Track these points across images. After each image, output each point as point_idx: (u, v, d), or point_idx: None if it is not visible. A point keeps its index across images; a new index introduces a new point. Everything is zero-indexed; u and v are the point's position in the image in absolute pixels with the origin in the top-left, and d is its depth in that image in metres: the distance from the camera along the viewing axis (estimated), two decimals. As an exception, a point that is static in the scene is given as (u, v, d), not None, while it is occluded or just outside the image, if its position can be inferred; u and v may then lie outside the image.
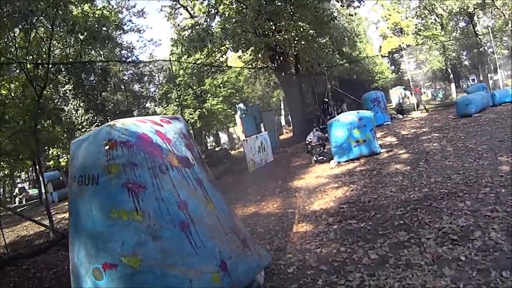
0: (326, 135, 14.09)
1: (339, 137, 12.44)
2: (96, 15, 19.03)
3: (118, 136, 4.01)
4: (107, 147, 3.95)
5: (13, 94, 16.25)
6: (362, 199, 7.72)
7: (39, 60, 13.74)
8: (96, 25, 17.28)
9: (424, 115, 24.45)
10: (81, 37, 17.06)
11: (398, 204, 6.88)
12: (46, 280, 7.64)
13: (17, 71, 15.91)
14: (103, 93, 34.38)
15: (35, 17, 12.02)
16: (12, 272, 8.65)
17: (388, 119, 22.64)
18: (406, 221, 5.92)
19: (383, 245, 5.23)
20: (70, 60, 23.46)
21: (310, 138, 14.13)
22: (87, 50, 23.46)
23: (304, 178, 11.51)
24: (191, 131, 40.07)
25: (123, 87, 37.94)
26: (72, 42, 20.13)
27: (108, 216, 3.86)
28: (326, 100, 23.51)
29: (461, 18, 42.25)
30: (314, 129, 14.87)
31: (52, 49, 19.32)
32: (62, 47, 21.06)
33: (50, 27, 13.62)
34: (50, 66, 14.70)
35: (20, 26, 12.32)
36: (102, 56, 30.57)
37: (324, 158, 13.41)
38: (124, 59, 35.57)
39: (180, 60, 26.50)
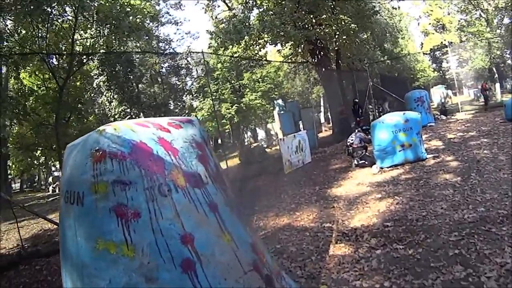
0: (369, 136, 13.05)
1: (383, 140, 11.38)
2: (121, 3, 18.38)
3: (108, 145, 3.16)
4: (92, 159, 3.11)
5: (35, 87, 15.89)
6: (409, 216, 6.74)
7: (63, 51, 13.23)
8: (122, 14, 16.66)
9: (469, 116, 23.08)
10: (107, 27, 16.61)
11: (451, 226, 5.92)
12: (54, 286, 7.22)
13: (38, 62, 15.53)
14: (139, 85, 34.51)
15: (54, 5, 11.48)
16: (25, 271, 8.41)
17: (432, 120, 21.36)
18: (462, 250, 4.99)
19: (436, 283, 4.36)
20: (101, 50, 23.35)
21: (352, 140, 13.03)
22: (123, 41, 23.27)
23: (344, 185, 10.51)
24: (228, 126, 40.24)
25: (160, 80, 37.85)
26: (100, 32, 19.72)
27: (93, 246, 3.03)
28: (357, 100, 22.28)
29: (505, 14, 40.17)
30: (356, 130, 13.79)
31: (78, 39, 18.92)
32: (90, 37, 20.64)
33: (73, 16, 13.09)
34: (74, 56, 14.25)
35: (41, 16, 11.84)
36: (139, 48, 30.46)
37: (366, 162, 12.36)
38: (161, 51, 35.55)
39: (213, 52, 25.95)
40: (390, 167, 11.28)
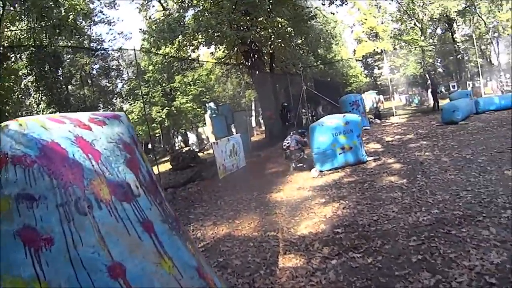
0: (305, 139, 12.66)
1: (322, 142, 11.00)
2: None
3: (10, 146, 2.38)
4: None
5: None
6: (360, 221, 6.33)
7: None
8: (51, 3, 15.66)
9: (403, 120, 23.66)
10: (36, 18, 15.55)
11: (407, 230, 5.59)
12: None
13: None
14: (69, 87, 33.29)
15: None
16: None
17: (367, 124, 21.51)
18: (425, 255, 4.66)
19: (405, 293, 3.92)
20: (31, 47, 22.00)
21: (288, 142, 12.52)
22: (53, 38, 22.23)
23: (284, 190, 9.97)
24: (158, 130, 39.23)
25: (90, 81, 36.67)
26: (29, 26, 18.57)
27: None
28: (286, 104, 22.03)
29: (440, 24, 42.04)
30: (292, 132, 13.31)
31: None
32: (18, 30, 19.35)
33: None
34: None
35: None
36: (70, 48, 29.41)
37: (304, 166, 11.98)
38: (92, 52, 34.41)
39: (146, 51, 25.15)
40: (330, 170, 10.94)
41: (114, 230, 2.43)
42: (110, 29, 62.38)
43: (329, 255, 5.20)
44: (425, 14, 39.95)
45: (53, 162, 2.41)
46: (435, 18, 39.69)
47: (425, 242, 5.00)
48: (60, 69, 30.19)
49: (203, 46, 22.21)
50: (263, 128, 30.31)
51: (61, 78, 30.82)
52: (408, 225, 5.73)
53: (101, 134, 2.75)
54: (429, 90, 38.63)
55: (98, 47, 35.11)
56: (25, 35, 19.35)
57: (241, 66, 25.43)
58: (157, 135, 42.98)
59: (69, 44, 28.60)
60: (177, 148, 40.38)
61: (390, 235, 5.49)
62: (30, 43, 19.96)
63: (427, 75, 43.98)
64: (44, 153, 2.41)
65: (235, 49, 22.51)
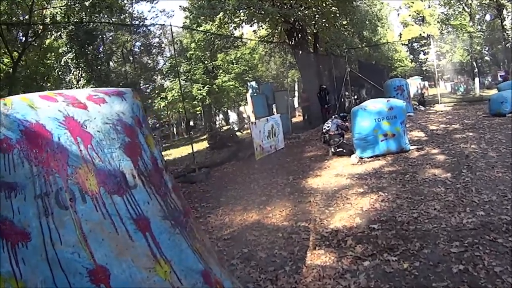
0: (347, 123, 12.11)
1: (364, 128, 10.40)
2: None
3: (-8, 128, 2.05)
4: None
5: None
6: (398, 218, 5.82)
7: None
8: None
9: (448, 108, 22.59)
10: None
11: (449, 233, 5.04)
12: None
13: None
14: (110, 64, 33.70)
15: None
16: None
17: (411, 110, 20.64)
18: (468, 266, 4.12)
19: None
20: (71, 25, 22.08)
21: (328, 126, 11.99)
22: (94, 16, 22.38)
23: (321, 176, 9.48)
24: (199, 108, 39.17)
25: (131, 58, 36.91)
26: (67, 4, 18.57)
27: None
28: (324, 86, 21.27)
29: (489, 10, 40.27)
30: (333, 116, 12.77)
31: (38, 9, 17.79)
32: (55, 7, 19.39)
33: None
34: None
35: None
36: (112, 25, 29.59)
37: (344, 151, 11.39)
38: (133, 28, 35.00)
39: (183, 27, 24.89)
40: (370, 157, 10.37)
41: (100, 228, 2.09)
42: (152, 7, 62.79)
43: (362, 255, 4.76)
44: None
45: (35, 146, 2.09)
46: (485, 4, 37.83)
47: (468, 250, 4.49)
48: (101, 46, 30.47)
49: (245, 24, 21.71)
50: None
51: (101, 55, 31.10)
52: (450, 227, 5.21)
53: (96, 114, 2.38)
54: (476, 79, 37.35)
55: (139, 24, 35.27)
56: (63, 13, 19.35)
57: (284, 45, 24.82)
58: (198, 112, 42.94)
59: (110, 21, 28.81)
60: (217, 126, 40.40)
61: (430, 237, 4.99)
62: (70, 20, 19.97)
63: (474, 63, 42.34)
64: (26, 136, 2.09)
65: (278, 27, 21.85)
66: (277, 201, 7.77)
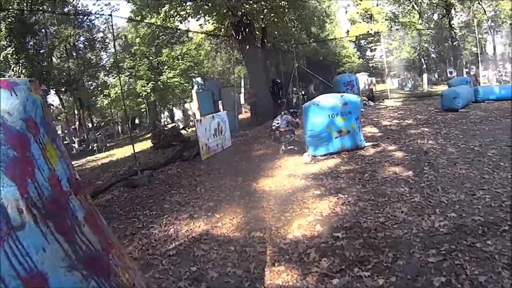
0: (297, 120, 11.62)
1: (317, 124, 9.84)
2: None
3: None
4: None
5: None
6: (364, 223, 5.29)
7: None
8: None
9: (398, 104, 22.71)
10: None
11: (423, 239, 4.59)
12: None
13: None
14: (53, 60, 32.64)
15: None
16: None
17: (361, 105, 20.41)
18: (449, 277, 3.72)
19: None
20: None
21: (278, 123, 11.34)
22: (35, 8, 21.39)
23: (273, 176, 8.84)
24: (144, 105, 38.13)
25: (74, 54, 35.77)
26: None
27: None
28: (278, 81, 20.90)
29: (437, 10, 41.50)
30: (282, 112, 12.17)
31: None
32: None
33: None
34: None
35: None
36: (55, 18, 28.61)
37: (295, 148, 10.89)
38: (77, 22, 34.49)
39: (129, 18, 24.13)
40: (324, 155, 9.86)
41: None
42: (97, 0, 61.28)
43: (329, 271, 4.15)
44: None
45: None
46: (434, 2, 38.75)
47: (446, 258, 4.06)
48: (44, 40, 29.48)
49: (192, 17, 20.98)
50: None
51: (43, 50, 30.11)
52: (423, 232, 4.74)
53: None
54: (424, 75, 38.12)
55: (85, 18, 34.43)
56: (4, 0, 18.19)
57: (231, 39, 24.26)
58: (142, 110, 41.89)
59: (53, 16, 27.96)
60: (162, 124, 39.57)
61: (403, 245, 4.48)
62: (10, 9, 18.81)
63: (422, 60, 43.45)
64: None
65: (225, 21, 21.34)
66: (227, 207, 7.06)
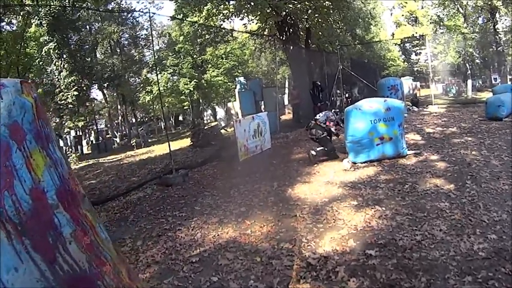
0: (337, 118, 10.91)
1: (358, 130, 9.43)
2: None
3: None
4: None
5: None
6: (399, 241, 4.93)
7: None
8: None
9: (442, 110, 21.77)
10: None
11: (459, 263, 4.21)
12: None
13: None
14: (97, 55, 33.48)
15: None
16: None
17: (405, 111, 19.80)
18: None
19: None
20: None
21: (319, 116, 10.89)
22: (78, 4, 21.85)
23: (309, 183, 8.53)
24: (187, 103, 38.35)
25: (118, 50, 36.40)
26: None
27: None
28: (319, 83, 20.46)
29: (482, 13, 40.31)
30: (333, 110, 11.67)
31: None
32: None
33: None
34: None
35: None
36: (99, 15, 29.25)
37: (325, 149, 10.31)
38: (121, 19, 35.25)
39: (170, 16, 24.30)
40: (364, 162, 9.45)
41: None
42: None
43: (357, 293, 3.83)
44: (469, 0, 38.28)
45: None
46: (479, 6, 37.64)
47: (482, 287, 3.69)
48: (88, 36, 30.11)
49: (234, 16, 20.86)
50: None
51: (86, 45, 30.72)
52: (460, 255, 4.36)
53: None
54: (468, 81, 37.03)
55: (128, 16, 34.86)
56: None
57: (275, 39, 24.04)
58: (185, 108, 42.18)
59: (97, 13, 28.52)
60: (205, 122, 39.78)
61: (439, 269, 4.13)
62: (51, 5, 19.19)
63: (467, 65, 42.28)
64: None
65: (269, 21, 21.24)
66: (258, 213, 6.82)
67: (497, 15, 38.37)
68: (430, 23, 47.32)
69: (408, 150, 9.89)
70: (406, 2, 55.31)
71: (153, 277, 4.84)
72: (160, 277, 4.74)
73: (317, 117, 10.72)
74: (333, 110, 11.50)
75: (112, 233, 6.03)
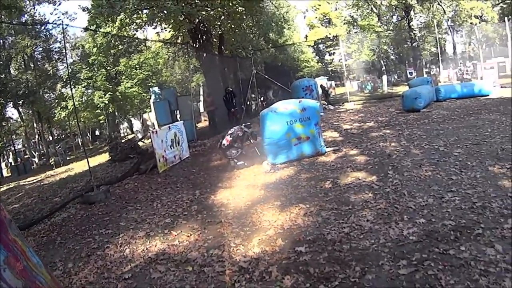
0: (250, 130, 11.23)
1: (275, 132, 9.73)
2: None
3: None
4: None
5: None
6: (327, 235, 5.15)
7: None
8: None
9: (358, 106, 22.74)
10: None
11: (391, 249, 4.46)
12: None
13: None
14: (11, 71, 32.10)
15: None
16: None
17: (320, 110, 20.38)
18: None
19: None
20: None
21: (225, 137, 10.95)
22: None
23: (231, 188, 8.69)
24: (102, 117, 37.49)
25: (32, 65, 35.16)
26: None
27: None
28: (230, 89, 20.79)
29: (397, 12, 42.42)
30: (237, 126, 11.68)
31: None
32: None
33: None
34: None
35: None
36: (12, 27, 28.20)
37: (245, 164, 10.47)
38: (34, 32, 33.98)
39: (83, 28, 23.83)
40: (284, 163, 9.75)
41: None
42: (55, 9, 60.28)
43: (292, 289, 3.96)
44: (383, 0, 40.19)
45: None
46: (393, 5, 39.49)
47: (419, 269, 3.94)
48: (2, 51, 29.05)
49: (148, 25, 20.61)
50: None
51: (0, 61, 29.73)
52: (391, 242, 4.62)
53: None
54: (384, 77, 38.70)
55: (42, 28, 34.06)
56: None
57: (188, 47, 24.01)
58: (101, 121, 41.13)
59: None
60: (122, 135, 39.07)
61: (371, 257, 4.35)
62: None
63: (381, 61, 44.18)
64: None
65: (182, 29, 21.25)
66: (184, 223, 6.85)
67: (411, 12, 40.27)
68: (344, 23, 48.97)
69: (327, 147, 10.29)
70: (320, 5, 56.87)
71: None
72: (96, 298, 4.67)
73: (225, 141, 10.78)
74: (243, 125, 11.49)
75: (42, 257, 5.81)
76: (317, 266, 4.36)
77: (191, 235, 6.18)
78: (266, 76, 25.80)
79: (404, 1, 37.84)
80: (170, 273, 4.95)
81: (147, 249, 5.95)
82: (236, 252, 5.20)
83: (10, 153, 36.30)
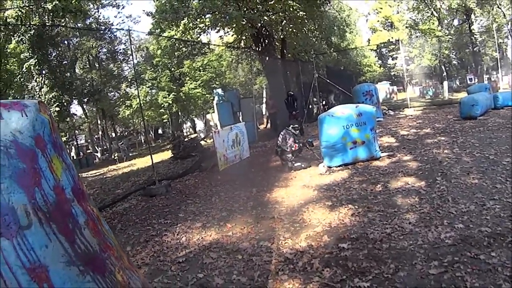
0: (296, 131, 11.39)
1: (332, 135, 9.92)
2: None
3: None
4: None
5: None
6: (370, 234, 5.34)
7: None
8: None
9: (418, 112, 22.40)
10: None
11: (427, 250, 4.57)
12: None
13: None
14: (76, 71, 33.37)
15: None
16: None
17: (380, 115, 20.28)
18: None
19: None
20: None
21: (280, 140, 11.21)
22: (57, 20, 21.88)
23: (287, 187, 8.99)
24: (166, 116, 38.50)
25: (97, 65, 36.41)
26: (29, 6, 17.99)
27: None
28: (292, 93, 20.88)
29: (457, 15, 41.25)
30: (285, 128, 11.83)
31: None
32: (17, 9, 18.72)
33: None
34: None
35: None
36: (76, 30, 29.24)
37: (303, 165, 10.69)
38: (99, 34, 34.97)
39: (148, 32, 24.50)
40: (339, 166, 9.91)
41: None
42: (119, 12, 62.37)
43: (330, 281, 4.24)
44: (443, 3, 39.09)
45: None
46: (453, 8, 38.53)
47: (448, 270, 4.05)
48: (66, 52, 30.10)
49: (211, 29, 21.19)
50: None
51: (65, 61, 30.74)
52: (427, 244, 4.76)
53: None
54: (444, 82, 37.76)
55: (106, 31, 34.98)
56: (20, 16, 18.65)
57: (251, 51, 24.40)
58: (165, 121, 42.31)
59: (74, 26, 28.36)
60: (185, 134, 39.90)
61: (406, 256, 4.53)
62: (26, 23, 19.31)
63: (442, 67, 43.12)
64: None
65: (245, 33, 21.50)
66: (239, 217, 7.23)
67: (472, 16, 39.23)
68: (406, 27, 47.88)
69: (382, 152, 10.38)
70: (381, 8, 56.03)
71: (144, 276, 5.19)
72: (151, 277, 5.08)
73: (278, 142, 11.16)
74: (290, 127, 11.59)
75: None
76: (355, 261, 4.59)
77: (244, 228, 6.55)
78: (328, 80, 25.80)
79: (464, 4, 36.80)
80: (221, 260, 5.32)
81: (202, 238, 6.36)
82: (284, 245, 5.50)
83: (73, 147, 37.85)
